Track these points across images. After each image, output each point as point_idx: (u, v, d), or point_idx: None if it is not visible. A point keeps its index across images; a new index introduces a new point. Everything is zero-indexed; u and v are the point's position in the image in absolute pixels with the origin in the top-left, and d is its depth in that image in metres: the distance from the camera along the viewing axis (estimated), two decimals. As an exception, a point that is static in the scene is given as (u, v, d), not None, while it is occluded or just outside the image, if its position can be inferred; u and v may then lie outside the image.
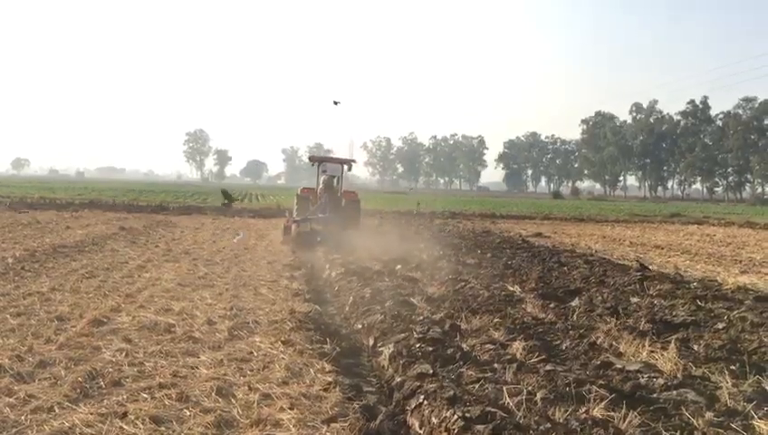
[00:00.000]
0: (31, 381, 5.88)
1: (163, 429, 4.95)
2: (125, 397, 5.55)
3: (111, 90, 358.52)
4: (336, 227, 18.83)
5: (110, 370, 6.22)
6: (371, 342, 7.70)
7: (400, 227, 26.91)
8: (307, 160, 25.24)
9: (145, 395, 5.60)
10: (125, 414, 5.12)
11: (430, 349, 6.65)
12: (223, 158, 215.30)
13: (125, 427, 4.89)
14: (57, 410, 5.20)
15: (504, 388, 5.39)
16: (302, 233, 18.74)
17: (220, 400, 5.57)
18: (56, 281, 10.86)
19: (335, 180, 21.22)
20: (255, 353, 7.00)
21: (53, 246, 15.28)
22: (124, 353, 6.79)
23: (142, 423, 4.95)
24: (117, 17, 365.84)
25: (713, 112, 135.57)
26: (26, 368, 6.14)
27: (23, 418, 5.05)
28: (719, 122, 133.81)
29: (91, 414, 5.09)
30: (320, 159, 22.64)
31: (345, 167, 21.90)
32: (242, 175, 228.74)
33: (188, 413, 5.25)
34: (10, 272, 11.48)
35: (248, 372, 6.38)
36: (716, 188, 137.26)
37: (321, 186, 20.99)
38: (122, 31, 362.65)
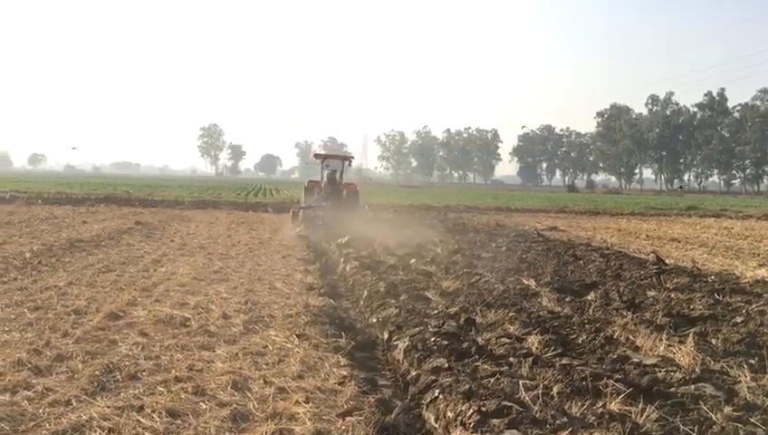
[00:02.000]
0: (48, 374, 5.92)
1: (179, 422, 4.96)
2: (141, 390, 5.57)
3: (126, 86, 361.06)
4: (337, 214, 21.41)
5: (127, 363, 6.26)
6: (386, 335, 7.69)
7: (414, 222, 26.85)
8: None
9: (161, 389, 5.62)
10: (141, 407, 5.15)
11: (445, 343, 6.62)
12: (237, 152, 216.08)
13: (142, 420, 4.91)
14: (74, 404, 5.24)
15: (520, 382, 5.35)
16: (307, 218, 21.61)
17: (236, 393, 5.58)
18: (73, 275, 10.93)
19: (337, 174, 24.56)
20: (270, 347, 7.01)
21: (70, 241, 15.40)
22: (140, 347, 6.83)
23: (159, 417, 4.97)
24: (131, 13, 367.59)
25: (730, 104, 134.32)
26: (44, 362, 6.18)
27: (40, 411, 5.08)
28: (736, 114, 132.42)
29: (108, 407, 5.11)
30: (323, 157, 26.47)
31: (345, 163, 25.85)
32: (256, 169, 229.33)
33: (204, 407, 5.27)
34: (27, 266, 11.58)
35: (263, 366, 6.39)
36: (734, 181, 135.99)
37: (324, 179, 24.33)
38: (137, 27, 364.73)
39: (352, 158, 27.07)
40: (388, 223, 24.43)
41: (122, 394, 5.48)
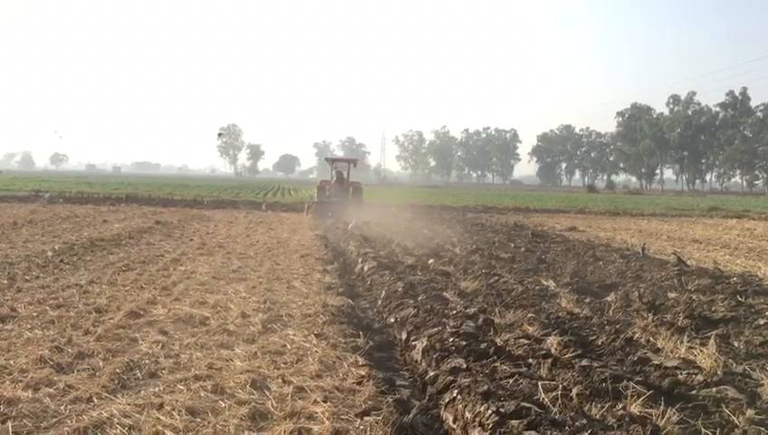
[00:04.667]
0: (70, 371, 5.98)
1: (199, 420, 4.99)
2: (161, 388, 5.62)
3: (146, 86, 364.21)
4: (343, 207, 26.35)
5: (147, 361, 6.31)
6: (404, 336, 7.69)
7: (432, 221, 26.85)
8: (338, 155, 37.19)
9: (181, 387, 5.66)
10: (161, 405, 5.18)
11: (464, 343, 6.60)
12: (256, 152, 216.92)
13: (161, 418, 4.95)
14: (95, 401, 5.29)
15: (539, 383, 5.32)
16: (319, 210, 27.43)
17: (254, 392, 5.60)
18: (94, 274, 11.05)
19: (344, 174, 29.62)
20: (289, 346, 7.04)
21: (91, 240, 15.56)
22: (160, 345, 6.88)
23: (178, 414, 5.01)
24: (151, 13, 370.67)
25: (753, 104, 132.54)
26: (66, 359, 6.25)
27: (62, 408, 5.14)
28: (759, 114, 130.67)
29: (129, 405, 5.16)
30: (333, 160, 32.69)
31: (351, 164, 31.27)
32: (274, 169, 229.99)
33: (223, 405, 5.30)
34: (50, 265, 11.72)
35: (282, 365, 6.41)
36: (756, 182, 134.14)
37: (334, 178, 29.43)
38: (157, 28, 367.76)
39: (357, 160, 33.96)
40: (406, 222, 24.47)
41: (142, 392, 5.52)
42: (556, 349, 6.62)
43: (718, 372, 5.91)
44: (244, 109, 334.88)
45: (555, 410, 4.84)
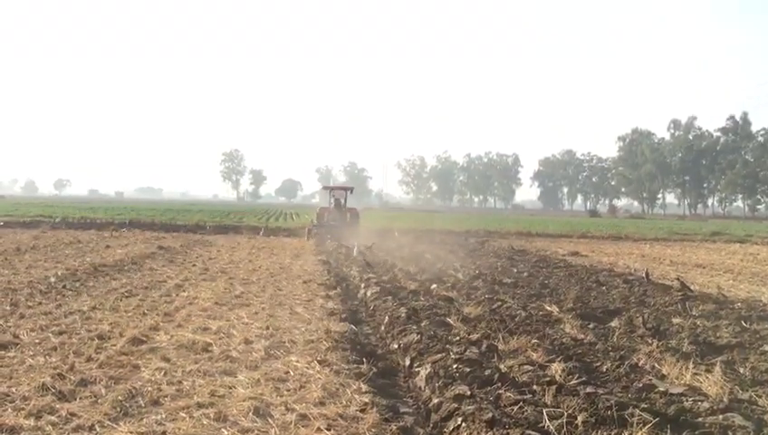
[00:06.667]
0: (72, 399, 5.96)
1: (201, 448, 4.96)
2: (164, 416, 5.59)
3: (149, 112, 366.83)
4: (341, 232, 28.56)
5: (150, 389, 6.28)
6: (408, 362, 7.65)
7: (434, 246, 26.85)
8: (340, 180, 38.46)
9: (183, 414, 5.62)
10: (164, 433, 5.16)
11: (467, 370, 6.57)
12: (258, 177, 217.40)
13: (164, 446, 4.91)
14: (98, 429, 5.26)
15: (544, 410, 5.29)
16: (318, 234, 29.74)
17: (257, 420, 5.57)
18: (97, 300, 11.03)
19: (342, 201, 32.45)
20: (292, 373, 7.00)
21: (94, 266, 15.55)
22: (163, 372, 6.85)
23: (181, 443, 4.97)
24: (154, 42, 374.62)
25: (754, 128, 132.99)
26: (68, 386, 6.22)
27: (64, 436, 5.11)
28: (760, 138, 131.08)
29: (131, 433, 5.13)
30: (330, 188, 36.29)
31: (348, 192, 33.60)
32: (277, 194, 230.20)
33: (226, 433, 5.26)
34: (52, 291, 11.71)
35: (285, 392, 6.38)
36: (759, 206, 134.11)
37: (332, 205, 32.28)
38: (160, 54, 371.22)
39: (353, 188, 35.71)
40: (408, 247, 24.47)
41: (145, 420, 5.49)
42: (560, 375, 6.58)
43: (724, 399, 5.87)
44: (247, 134, 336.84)
45: (561, 438, 4.80)
